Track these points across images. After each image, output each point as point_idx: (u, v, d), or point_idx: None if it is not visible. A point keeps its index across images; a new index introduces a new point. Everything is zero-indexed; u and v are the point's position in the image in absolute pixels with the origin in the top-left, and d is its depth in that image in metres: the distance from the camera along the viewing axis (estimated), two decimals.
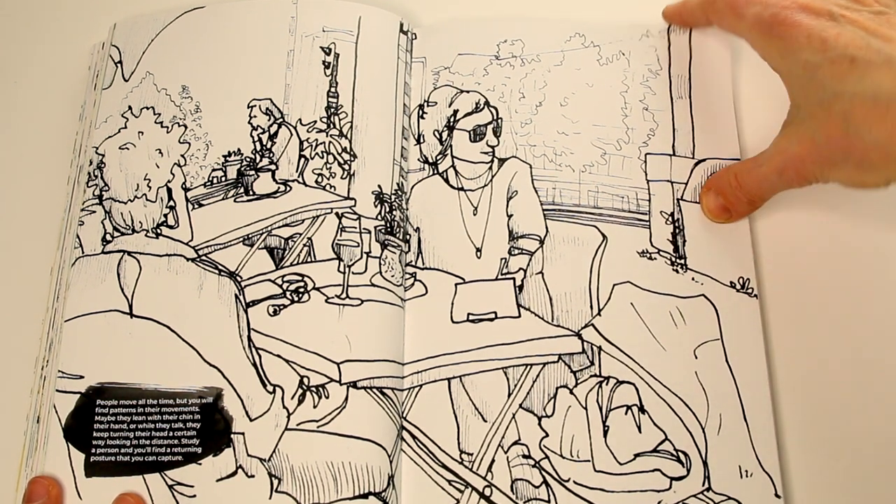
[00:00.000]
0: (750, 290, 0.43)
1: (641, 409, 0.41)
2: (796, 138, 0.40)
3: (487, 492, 0.41)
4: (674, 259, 0.44)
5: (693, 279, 0.44)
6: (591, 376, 0.42)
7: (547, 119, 0.48)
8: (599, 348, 0.43)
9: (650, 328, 0.43)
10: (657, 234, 0.45)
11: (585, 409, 0.41)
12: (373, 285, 0.45)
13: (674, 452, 0.40)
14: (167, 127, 0.48)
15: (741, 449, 0.40)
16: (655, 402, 0.41)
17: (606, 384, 0.42)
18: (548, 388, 0.42)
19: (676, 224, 0.45)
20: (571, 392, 0.42)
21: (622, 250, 0.45)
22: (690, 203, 0.46)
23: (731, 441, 0.40)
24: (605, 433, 0.41)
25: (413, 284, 0.46)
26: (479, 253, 0.46)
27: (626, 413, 0.41)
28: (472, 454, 0.42)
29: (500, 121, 0.49)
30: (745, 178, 0.43)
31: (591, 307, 0.44)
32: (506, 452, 0.41)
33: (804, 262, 0.46)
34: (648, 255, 0.44)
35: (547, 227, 0.46)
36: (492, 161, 0.48)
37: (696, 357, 0.42)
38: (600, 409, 0.41)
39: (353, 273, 0.45)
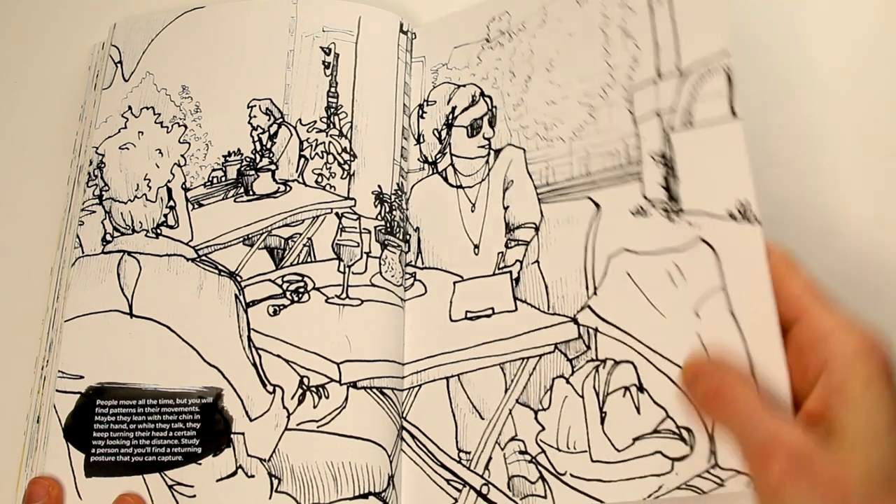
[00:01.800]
0: (751, 216, 0.38)
1: (640, 389, 0.39)
2: None
3: (485, 490, 0.41)
4: (668, 206, 0.41)
5: (690, 224, 0.40)
6: (588, 361, 0.41)
7: (536, 93, 0.47)
8: (596, 330, 0.41)
9: (647, 296, 0.40)
10: (650, 182, 0.42)
11: (582, 397, 0.40)
12: (373, 285, 0.45)
13: (676, 430, 0.38)
14: (167, 127, 0.48)
15: None
16: (655, 378, 0.39)
17: (603, 367, 0.40)
18: (544, 380, 0.41)
19: (668, 163, 0.41)
20: (568, 381, 0.41)
21: (616, 215, 0.42)
22: (681, 133, 0.41)
23: None
24: (603, 420, 0.40)
25: (413, 284, 0.46)
26: (476, 250, 0.45)
27: (624, 395, 0.39)
28: (469, 453, 0.42)
29: (494, 109, 0.48)
30: (730, 398, 0.35)
31: (587, 287, 0.42)
32: (503, 449, 0.41)
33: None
34: (642, 212, 0.41)
35: (542, 212, 0.45)
36: (488, 154, 0.47)
37: (700, 317, 0.38)
38: (597, 395, 0.40)
39: (353, 273, 0.45)
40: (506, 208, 0.46)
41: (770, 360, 0.35)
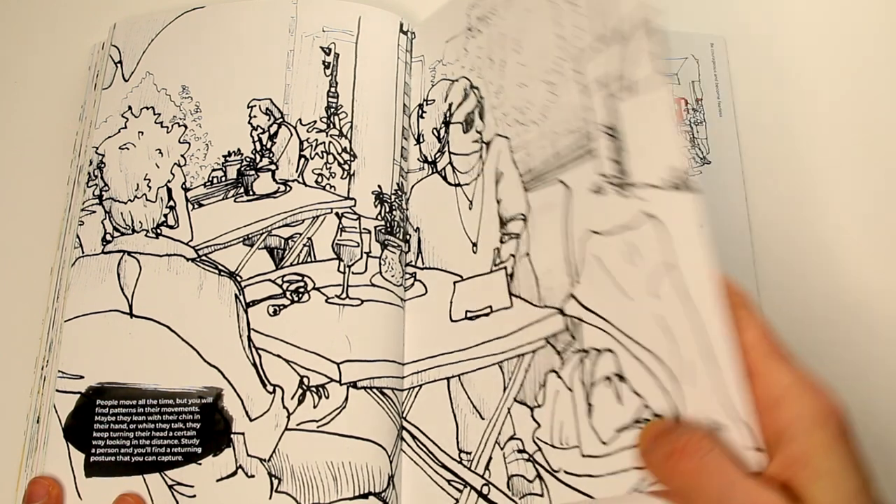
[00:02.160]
0: (687, 184, 0.35)
1: (621, 378, 0.37)
2: None
3: (485, 490, 0.41)
4: (620, 181, 0.38)
5: (640, 198, 0.37)
6: (574, 353, 0.39)
7: (511, 77, 0.46)
8: (580, 320, 0.39)
9: (614, 279, 0.38)
10: (604, 158, 0.39)
11: (571, 390, 0.39)
12: (373, 285, 0.45)
13: (651, 419, 0.36)
14: (167, 127, 0.48)
15: (715, 399, 0.33)
16: (632, 365, 0.37)
17: (588, 358, 0.39)
18: (538, 376, 0.41)
19: (617, 135, 0.39)
20: (559, 376, 0.40)
21: (581, 196, 0.40)
22: (627, 102, 0.39)
23: (706, 391, 0.34)
24: (590, 412, 0.38)
25: (413, 284, 0.46)
26: (475, 248, 0.45)
27: (607, 385, 0.38)
28: (470, 453, 0.42)
29: (482, 101, 0.47)
30: (699, 457, 0.32)
31: (570, 275, 0.40)
32: (502, 449, 0.41)
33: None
34: (600, 189, 0.39)
35: (528, 202, 0.43)
36: (481, 148, 0.47)
37: (659, 297, 0.36)
38: (584, 386, 0.39)
39: (353, 273, 0.45)
40: (499, 202, 0.45)
41: (722, 338, 0.33)
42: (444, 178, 0.48)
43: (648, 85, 0.37)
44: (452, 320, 0.44)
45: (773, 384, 0.32)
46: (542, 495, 0.39)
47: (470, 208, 0.46)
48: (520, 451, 0.40)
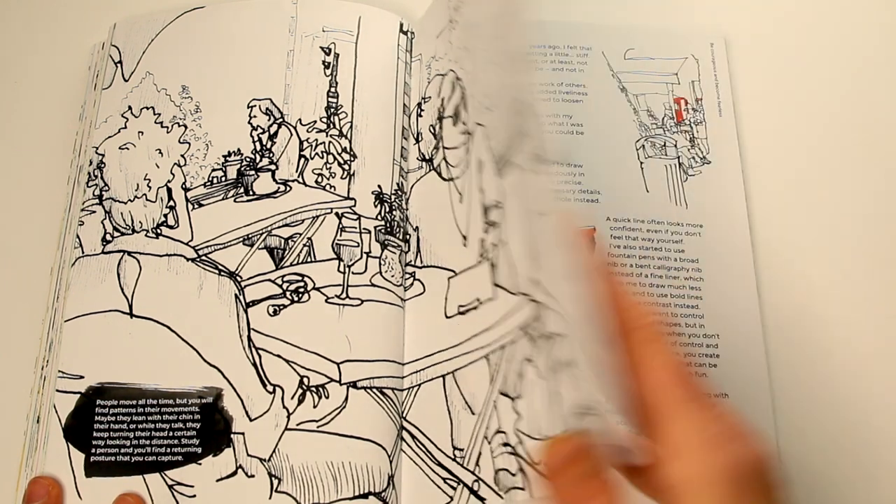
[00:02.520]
0: (562, 162, 0.35)
1: (575, 364, 0.35)
2: None
3: (476, 486, 0.40)
4: (543, 158, 0.36)
5: (553, 175, 0.35)
6: (542, 340, 0.38)
7: (478, 63, 0.44)
8: (545, 305, 0.37)
9: (555, 260, 0.36)
10: (533, 136, 0.37)
11: (544, 379, 0.38)
12: (373, 285, 0.45)
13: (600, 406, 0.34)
14: (167, 127, 0.48)
15: (601, 385, 0.32)
16: (579, 350, 0.35)
17: (554, 344, 0.37)
18: (518, 366, 0.40)
19: (529, 112, 0.37)
20: (534, 364, 0.38)
21: (527, 176, 0.38)
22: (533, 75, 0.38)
23: (599, 376, 0.32)
24: (558, 401, 0.36)
25: (413, 284, 0.46)
26: (465, 241, 0.44)
27: (568, 372, 0.35)
28: (463, 449, 0.41)
29: (465, 91, 0.46)
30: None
31: (534, 260, 0.38)
32: (489, 443, 0.40)
33: None
34: (535, 170, 0.37)
35: (502, 188, 0.41)
36: (467, 140, 0.46)
37: (577, 278, 0.34)
38: (551, 373, 0.37)
39: (353, 273, 0.45)
40: (482, 192, 0.44)
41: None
42: (440, 174, 0.47)
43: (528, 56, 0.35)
44: (447, 317, 0.44)
45: (674, 433, 0.30)
46: (524, 489, 0.39)
47: (461, 201, 0.45)
48: (504, 445, 0.40)
